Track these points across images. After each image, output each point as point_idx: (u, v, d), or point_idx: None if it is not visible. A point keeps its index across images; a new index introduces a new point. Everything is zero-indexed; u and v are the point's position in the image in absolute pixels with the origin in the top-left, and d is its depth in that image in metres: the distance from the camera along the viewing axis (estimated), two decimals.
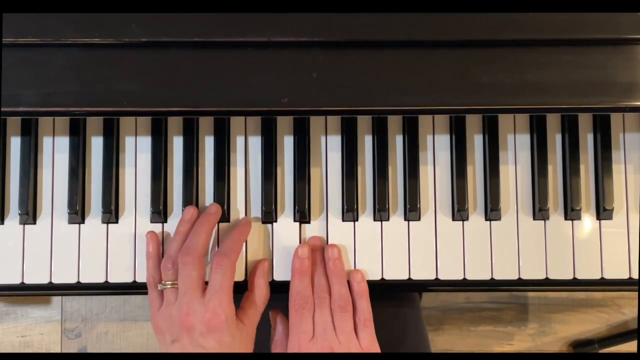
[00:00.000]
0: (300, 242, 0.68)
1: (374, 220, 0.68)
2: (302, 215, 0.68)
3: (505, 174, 0.69)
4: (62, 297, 1.37)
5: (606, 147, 0.68)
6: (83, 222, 0.68)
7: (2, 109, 0.57)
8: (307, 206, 0.68)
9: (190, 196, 0.68)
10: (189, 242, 0.64)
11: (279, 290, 0.67)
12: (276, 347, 0.67)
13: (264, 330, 0.69)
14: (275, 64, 0.58)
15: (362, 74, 0.59)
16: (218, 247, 0.67)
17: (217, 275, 0.63)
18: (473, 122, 0.69)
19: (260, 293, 0.66)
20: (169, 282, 0.64)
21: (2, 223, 0.68)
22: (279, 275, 0.68)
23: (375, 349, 0.65)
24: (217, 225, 0.68)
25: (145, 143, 0.69)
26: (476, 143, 0.69)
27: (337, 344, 0.63)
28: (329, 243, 0.68)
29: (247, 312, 0.65)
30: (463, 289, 0.69)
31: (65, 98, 0.58)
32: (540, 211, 0.68)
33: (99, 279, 0.67)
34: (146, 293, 0.67)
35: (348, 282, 0.67)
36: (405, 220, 0.68)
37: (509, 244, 0.68)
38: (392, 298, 0.77)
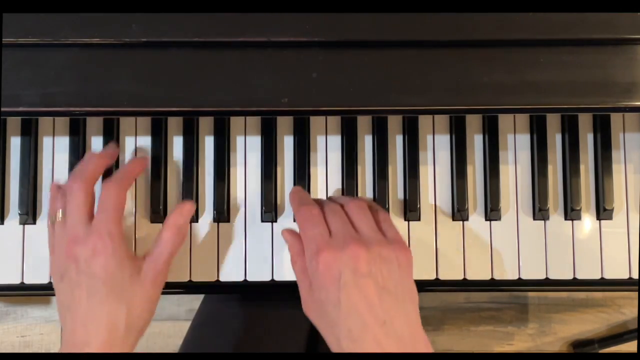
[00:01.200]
0: None
1: None
2: None
3: (505, 174, 0.69)
4: None
5: (606, 147, 0.68)
6: None
7: (2, 109, 0.57)
8: None
9: (190, 196, 0.67)
10: (76, 169, 0.62)
11: (280, 291, 0.67)
12: (295, 262, 0.61)
13: (272, 331, 0.68)
14: (275, 64, 0.58)
15: (362, 74, 0.59)
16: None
17: (104, 198, 0.59)
18: (473, 122, 0.69)
19: (166, 240, 0.61)
20: (60, 212, 0.60)
21: (2, 223, 0.68)
22: (279, 276, 0.68)
23: (401, 240, 0.59)
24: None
25: (145, 143, 0.69)
26: (476, 143, 0.69)
27: (360, 236, 0.56)
28: None
29: (144, 259, 0.61)
30: (463, 289, 0.69)
31: (65, 98, 0.58)
32: (540, 211, 0.68)
33: None
34: None
35: None
36: (405, 220, 0.68)
37: (509, 244, 0.68)
38: None
